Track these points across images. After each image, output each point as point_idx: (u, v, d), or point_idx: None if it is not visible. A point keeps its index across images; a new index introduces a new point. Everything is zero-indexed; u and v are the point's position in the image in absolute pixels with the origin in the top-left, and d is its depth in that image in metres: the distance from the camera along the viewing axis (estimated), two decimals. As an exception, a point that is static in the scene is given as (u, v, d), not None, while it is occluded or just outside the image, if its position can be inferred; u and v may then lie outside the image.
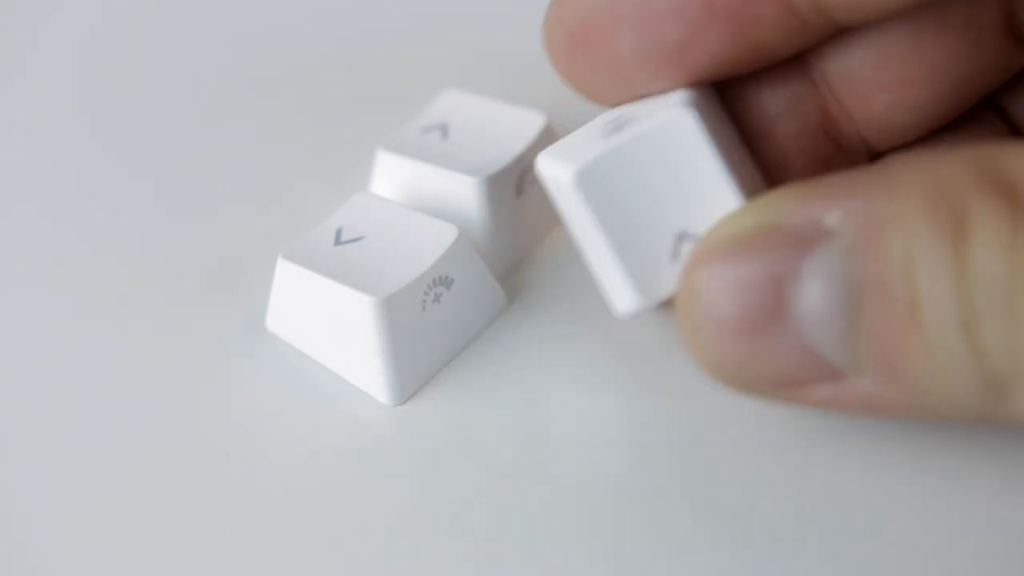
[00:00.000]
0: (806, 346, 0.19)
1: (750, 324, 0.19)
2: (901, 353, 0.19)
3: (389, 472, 0.23)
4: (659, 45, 0.21)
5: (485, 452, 0.23)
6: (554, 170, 0.21)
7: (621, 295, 0.21)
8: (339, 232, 0.24)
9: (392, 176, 0.27)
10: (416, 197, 0.26)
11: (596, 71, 0.22)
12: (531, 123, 0.26)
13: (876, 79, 0.22)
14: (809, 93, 0.23)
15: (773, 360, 0.20)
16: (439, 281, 0.23)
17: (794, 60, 0.22)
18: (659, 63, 0.21)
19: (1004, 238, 0.18)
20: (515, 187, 0.26)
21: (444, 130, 0.27)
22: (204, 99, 0.33)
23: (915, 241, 0.18)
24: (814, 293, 0.19)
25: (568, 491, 0.22)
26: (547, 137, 0.26)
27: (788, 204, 0.19)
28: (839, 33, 0.22)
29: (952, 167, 0.18)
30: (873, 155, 0.23)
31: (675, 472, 0.22)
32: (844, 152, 0.23)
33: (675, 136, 0.20)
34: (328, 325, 0.24)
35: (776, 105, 0.23)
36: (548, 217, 0.26)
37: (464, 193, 0.25)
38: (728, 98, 0.22)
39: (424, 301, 0.23)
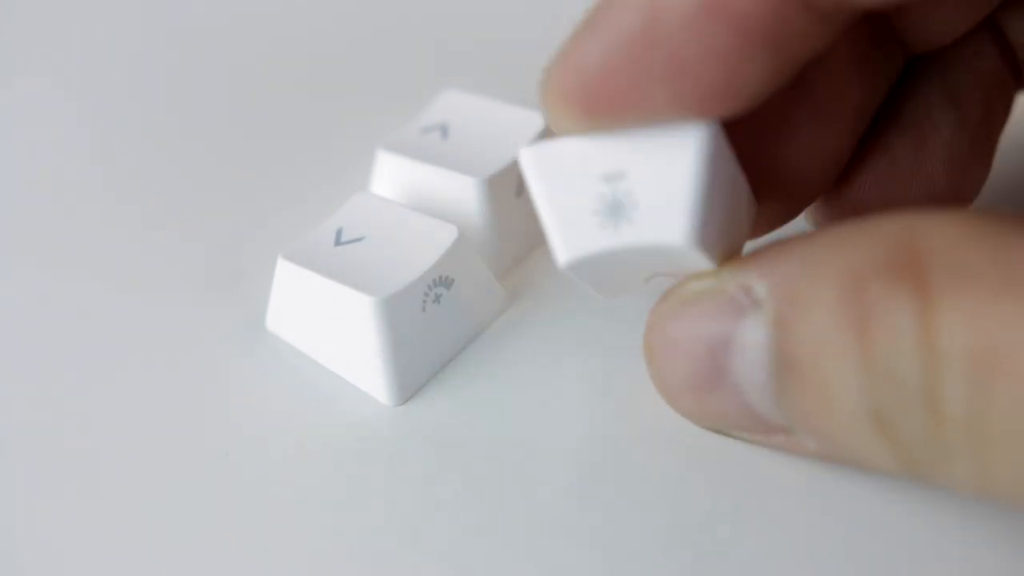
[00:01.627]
0: (746, 406, 0.20)
1: (695, 385, 0.20)
2: (824, 426, 0.19)
3: (389, 472, 0.23)
4: (697, 90, 0.18)
5: (485, 452, 0.23)
6: (551, 234, 0.20)
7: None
8: (339, 232, 0.24)
9: (392, 176, 0.27)
10: (416, 197, 0.26)
11: (613, 124, 0.19)
12: (531, 123, 0.26)
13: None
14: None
15: (722, 415, 0.21)
16: (439, 281, 0.23)
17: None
18: (694, 106, 0.19)
19: (912, 335, 0.17)
20: (515, 187, 0.26)
21: (444, 130, 0.27)
22: (205, 99, 0.33)
23: (824, 329, 0.18)
24: (746, 361, 0.19)
25: (568, 490, 0.22)
26: (546, 138, 0.26)
27: (728, 271, 0.20)
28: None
29: (866, 251, 0.18)
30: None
31: (675, 471, 0.22)
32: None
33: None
34: (328, 325, 0.24)
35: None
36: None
37: (464, 193, 0.25)
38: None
39: (424, 301, 0.23)
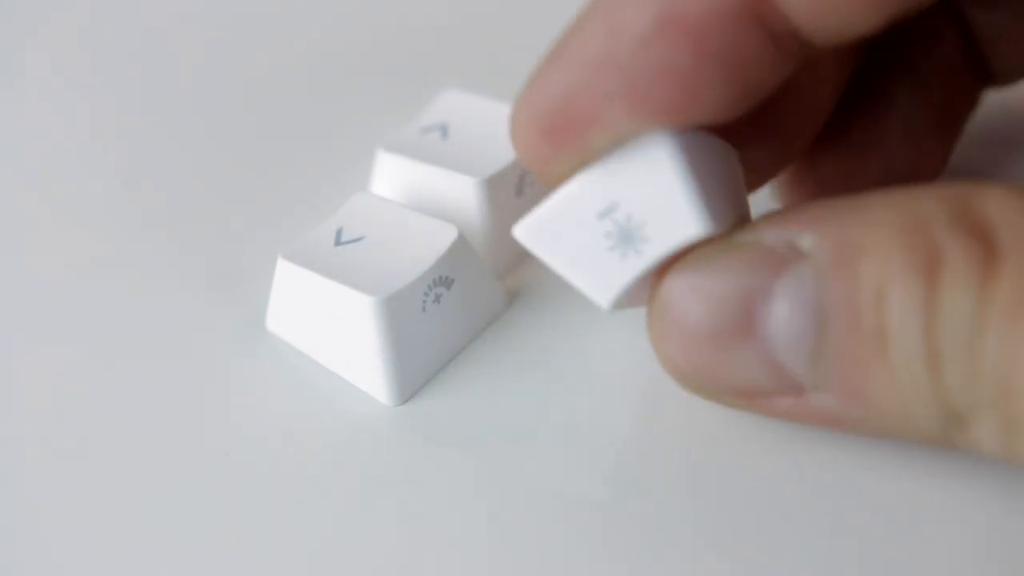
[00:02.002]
0: (771, 360, 0.20)
1: (718, 335, 0.20)
2: (864, 377, 0.19)
3: (389, 472, 0.23)
4: (657, 108, 0.19)
5: (485, 452, 0.23)
6: (581, 284, 0.21)
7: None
8: (339, 232, 0.24)
9: (392, 176, 0.27)
10: (416, 197, 0.26)
11: (579, 149, 0.20)
12: None
13: None
14: None
15: (737, 371, 0.20)
16: (439, 281, 0.23)
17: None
18: (657, 123, 0.19)
19: (974, 280, 0.18)
20: (515, 187, 0.26)
21: (444, 130, 0.27)
22: (204, 99, 0.33)
23: (888, 272, 0.18)
24: (784, 311, 0.19)
25: (568, 491, 0.22)
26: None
27: (766, 225, 0.20)
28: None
29: (928, 205, 0.19)
30: None
31: (676, 471, 0.22)
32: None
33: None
34: (328, 325, 0.24)
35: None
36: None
37: (464, 193, 0.25)
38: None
39: (424, 301, 0.23)
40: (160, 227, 0.28)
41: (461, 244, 0.24)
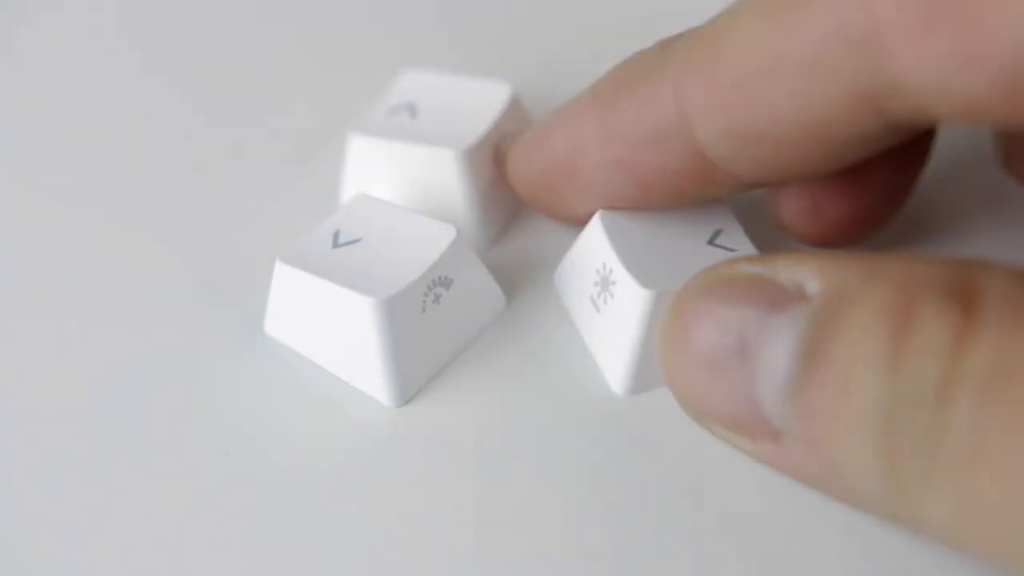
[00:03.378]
0: (752, 396, 0.20)
1: (712, 359, 0.20)
2: (826, 428, 0.19)
3: (391, 473, 0.23)
4: (591, 196, 0.24)
5: (486, 452, 0.23)
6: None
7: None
8: (337, 234, 0.24)
9: (367, 158, 0.27)
10: (394, 178, 0.26)
11: (565, 207, 0.25)
12: (498, 93, 0.27)
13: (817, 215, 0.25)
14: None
15: (723, 400, 0.20)
16: (438, 282, 0.23)
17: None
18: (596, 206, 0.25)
19: (942, 346, 0.18)
20: (492, 158, 0.26)
21: (412, 109, 0.27)
22: (193, 103, 0.32)
23: (863, 327, 0.18)
24: (772, 347, 0.19)
25: (569, 491, 0.22)
26: (515, 106, 0.27)
27: (784, 261, 0.20)
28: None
29: (932, 270, 0.19)
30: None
31: (677, 471, 0.22)
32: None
33: None
34: (328, 327, 0.24)
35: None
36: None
37: (444, 166, 0.26)
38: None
39: (424, 302, 0.23)
40: (157, 231, 0.28)
41: (459, 244, 0.24)
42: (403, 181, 0.26)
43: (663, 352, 0.21)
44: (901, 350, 0.18)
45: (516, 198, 0.27)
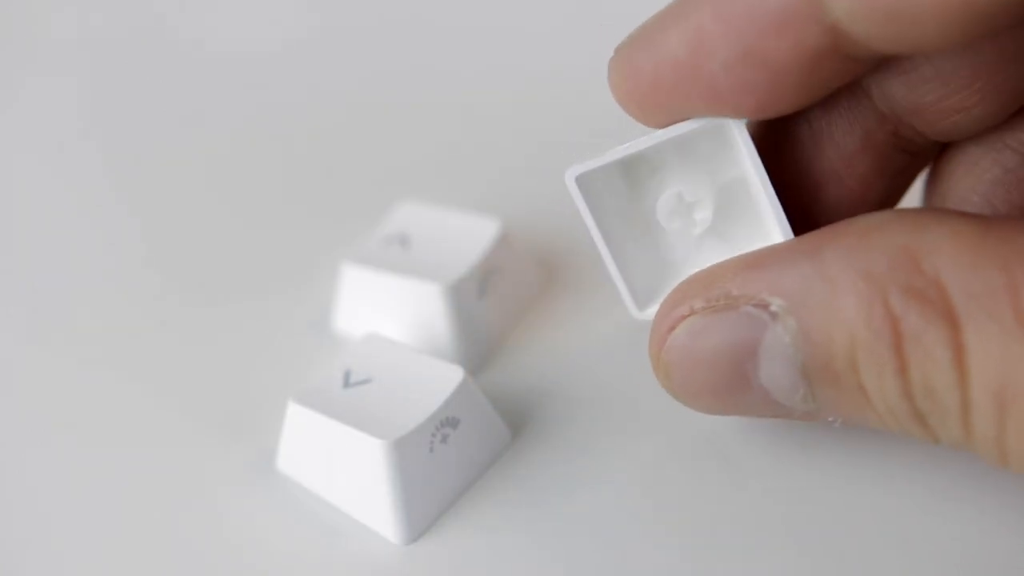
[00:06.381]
0: (774, 402, 0.22)
1: (719, 392, 0.22)
2: (859, 415, 0.21)
3: (400, 609, 0.23)
4: (730, 108, 0.22)
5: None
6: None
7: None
8: (348, 374, 0.25)
9: (357, 287, 0.28)
10: (382, 306, 0.28)
11: (661, 119, 0.23)
12: (487, 228, 0.28)
13: (941, 108, 0.23)
14: (879, 125, 0.24)
15: (748, 409, 0.22)
16: (446, 422, 0.24)
17: (859, 96, 0.24)
18: (720, 110, 0.22)
19: (945, 357, 0.19)
20: (477, 289, 0.28)
21: (404, 240, 0.28)
22: (200, 222, 0.33)
23: (856, 344, 0.20)
24: (772, 369, 0.21)
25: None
26: (503, 241, 0.28)
27: (738, 284, 0.21)
28: (892, 61, 0.23)
29: (879, 261, 0.20)
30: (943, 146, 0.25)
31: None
32: (919, 157, 0.25)
33: None
34: (339, 466, 0.24)
35: (852, 143, 0.24)
36: (511, 313, 0.29)
37: (430, 299, 0.27)
38: (801, 142, 0.24)
39: (432, 442, 0.24)
40: (173, 371, 0.29)
41: (466, 385, 0.24)
42: (392, 310, 0.28)
43: (673, 394, 0.23)
44: (905, 362, 0.20)
45: (500, 324, 0.28)
